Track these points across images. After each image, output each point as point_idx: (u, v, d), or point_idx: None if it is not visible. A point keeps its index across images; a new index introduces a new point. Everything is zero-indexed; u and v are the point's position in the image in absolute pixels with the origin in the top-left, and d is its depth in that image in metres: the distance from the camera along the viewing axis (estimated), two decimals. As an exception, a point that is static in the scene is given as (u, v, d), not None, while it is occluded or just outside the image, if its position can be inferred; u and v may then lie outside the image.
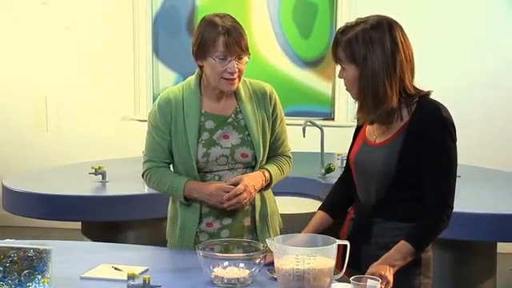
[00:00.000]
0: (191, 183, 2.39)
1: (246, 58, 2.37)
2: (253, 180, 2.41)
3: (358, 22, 2.04)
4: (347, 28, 2.04)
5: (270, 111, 2.49)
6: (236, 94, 2.45)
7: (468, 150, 4.59)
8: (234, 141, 2.43)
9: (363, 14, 2.11)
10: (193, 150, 2.39)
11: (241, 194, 2.36)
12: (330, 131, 4.53)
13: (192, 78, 2.47)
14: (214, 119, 2.43)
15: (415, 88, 2.06)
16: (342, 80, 2.10)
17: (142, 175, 2.52)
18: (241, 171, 2.44)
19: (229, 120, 2.44)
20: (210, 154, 2.41)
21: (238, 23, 2.37)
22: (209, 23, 2.36)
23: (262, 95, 2.49)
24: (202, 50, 2.35)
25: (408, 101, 2.04)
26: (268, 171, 2.47)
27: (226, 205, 2.36)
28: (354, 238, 2.11)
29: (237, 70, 2.34)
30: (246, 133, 2.44)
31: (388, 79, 1.99)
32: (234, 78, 2.35)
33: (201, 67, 2.41)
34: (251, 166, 2.46)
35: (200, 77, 2.45)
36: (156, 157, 2.47)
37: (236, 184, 2.37)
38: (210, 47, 2.32)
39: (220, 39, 2.31)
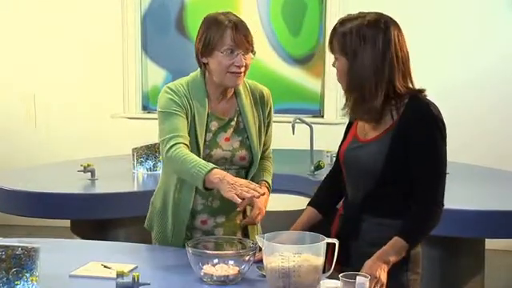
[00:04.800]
0: (218, 169, 2.23)
1: (251, 54, 2.37)
2: (264, 201, 2.41)
3: (358, 17, 2.06)
4: (346, 20, 2.07)
5: (266, 115, 2.51)
6: (236, 96, 2.45)
7: (460, 149, 4.63)
8: (235, 144, 2.43)
9: (353, 12, 2.11)
10: (201, 151, 2.37)
11: (259, 214, 2.38)
12: (319, 128, 4.54)
13: (196, 77, 2.43)
14: (218, 121, 2.42)
15: (407, 87, 2.06)
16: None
17: (168, 151, 2.29)
18: (234, 171, 2.43)
19: (231, 123, 2.43)
20: (212, 155, 2.39)
21: (241, 19, 2.38)
22: (213, 20, 2.36)
23: (260, 98, 2.50)
24: (207, 47, 2.34)
25: (398, 101, 2.05)
26: (267, 182, 2.50)
27: (241, 205, 2.25)
28: (343, 235, 2.12)
29: (244, 64, 2.33)
30: (245, 135, 2.44)
31: (375, 78, 2.01)
32: (241, 72, 2.35)
33: (205, 65, 2.39)
34: (245, 167, 2.46)
35: (204, 76, 2.42)
36: (183, 132, 2.33)
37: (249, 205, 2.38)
38: (218, 42, 2.32)
39: (228, 33, 2.32)
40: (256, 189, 2.16)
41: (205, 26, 2.38)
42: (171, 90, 2.39)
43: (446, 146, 2.05)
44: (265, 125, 2.51)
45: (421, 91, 2.08)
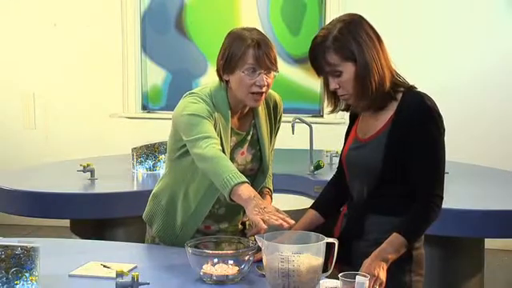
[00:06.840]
0: (249, 186, 2.13)
1: (274, 73, 2.29)
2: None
3: (330, 27, 2.05)
4: (323, 36, 2.05)
5: (277, 122, 2.49)
6: (253, 109, 2.40)
7: (460, 149, 4.64)
8: (248, 157, 2.41)
9: (352, 11, 2.11)
10: None
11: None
12: (319, 128, 4.54)
13: (219, 90, 2.33)
14: (236, 136, 2.38)
15: (397, 75, 2.08)
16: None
17: (203, 147, 2.19)
18: None
19: (248, 137, 2.41)
20: None
21: (266, 36, 2.31)
22: (236, 37, 2.28)
23: (273, 107, 2.47)
24: (229, 64, 2.26)
25: (393, 92, 2.05)
26: (269, 189, 2.51)
27: (264, 226, 2.06)
28: (347, 235, 2.12)
29: (266, 84, 2.26)
30: (258, 147, 2.42)
31: (382, 62, 2.03)
32: (263, 92, 2.27)
33: (227, 82, 2.32)
34: (251, 175, 2.43)
35: (226, 90, 2.34)
36: (217, 138, 2.23)
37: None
38: (239, 60, 2.24)
39: (249, 52, 2.23)
40: (285, 219, 2.02)
41: (227, 43, 2.29)
42: (201, 97, 2.30)
43: (443, 137, 2.04)
44: (274, 132, 2.49)
45: (412, 87, 2.09)
